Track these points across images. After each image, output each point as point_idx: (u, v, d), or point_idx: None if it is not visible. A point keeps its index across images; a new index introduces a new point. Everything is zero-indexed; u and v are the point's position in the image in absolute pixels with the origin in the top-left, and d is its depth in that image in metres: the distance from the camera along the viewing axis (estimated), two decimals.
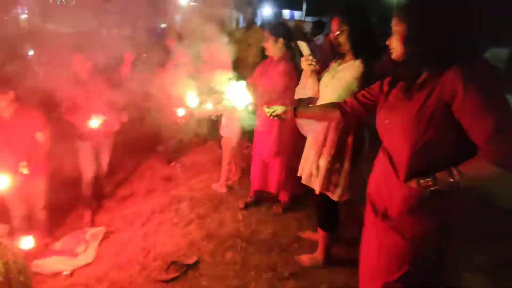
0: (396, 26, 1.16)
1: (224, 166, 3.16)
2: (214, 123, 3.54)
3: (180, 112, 3.12)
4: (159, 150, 4.07)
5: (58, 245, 2.74)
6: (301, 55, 1.93)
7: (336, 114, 1.51)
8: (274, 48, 2.42)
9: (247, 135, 3.27)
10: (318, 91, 1.98)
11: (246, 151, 3.93)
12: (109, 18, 3.03)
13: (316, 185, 1.92)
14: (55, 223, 2.99)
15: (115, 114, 3.01)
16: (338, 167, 1.85)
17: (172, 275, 2.08)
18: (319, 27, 5.62)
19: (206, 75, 3.16)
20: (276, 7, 9.56)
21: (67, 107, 2.79)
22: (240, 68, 3.45)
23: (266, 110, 1.70)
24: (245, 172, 3.35)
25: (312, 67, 1.89)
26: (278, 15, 6.83)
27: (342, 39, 1.79)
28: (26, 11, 4.56)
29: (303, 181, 2.01)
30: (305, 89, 2.04)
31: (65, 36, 3.43)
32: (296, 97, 2.11)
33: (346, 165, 1.84)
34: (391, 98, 1.28)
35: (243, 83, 2.17)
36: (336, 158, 1.85)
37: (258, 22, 7.40)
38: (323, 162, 1.87)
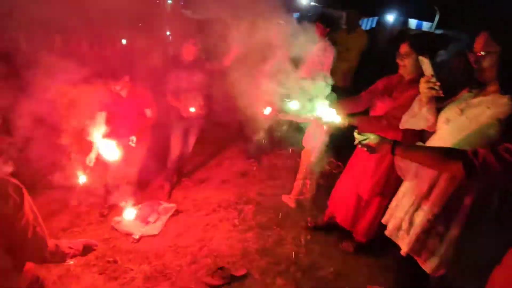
0: None
1: (299, 179, 2.92)
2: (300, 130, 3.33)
3: (267, 111, 3.00)
4: (241, 144, 4.09)
5: (136, 209, 3.00)
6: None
7: (457, 166, 1.10)
8: (413, 66, 1.90)
9: (334, 150, 2.96)
10: (434, 124, 1.53)
11: (329, 167, 3.60)
12: (236, 9, 3.10)
13: (404, 244, 1.50)
14: (139, 188, 3.28)
15: (207, 100, 3.10)
16: (441, 231, 1.40)
17: (217, 282, 1.99)
18: (443, 41, 4.71)
19: (302, 78, 2.96)
20: (403, 14, 8.53)
21: (170, 89, 3.00)
22: (333, 73, 3.13)
23: (357, 136, 1.39)
24: (321, 190, 3.03)
25: (433, 92, 1.46)
26: (403, 23, 6.06)
27: (487, 63, 1.32)
28: None
29: (387, 233, 1.61)
30: (416, 118, 1.61)
31: (195, 22, 3.71)
32: (402, 126, 1.69)
33: (454, 232, 1.38)
34: None
35: (333, 95, 1.87)
36: (441, 219, 1.40)
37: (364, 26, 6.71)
38: (420, 219, 1.44)
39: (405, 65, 1.94)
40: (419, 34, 2.56)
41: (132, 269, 2.25)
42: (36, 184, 2.88)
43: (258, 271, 2.14)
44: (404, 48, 1.91)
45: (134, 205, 3.01)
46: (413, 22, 10.68)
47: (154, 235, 2.70)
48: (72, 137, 2.53)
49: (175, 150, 3.28)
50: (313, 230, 2.57)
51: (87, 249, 1.46)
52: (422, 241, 1.44)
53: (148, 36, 3.45)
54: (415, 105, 1.61)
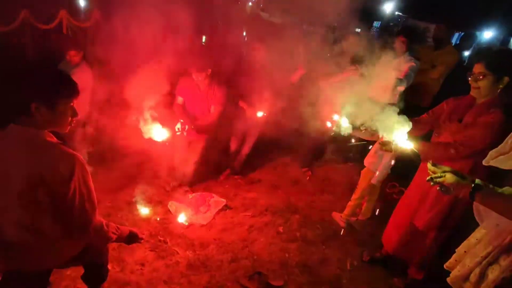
0: None
1: (354, 199, 2.74)
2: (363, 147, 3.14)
3: (329, 124, 2.90)
4: (298, 151, 4.02)
5: (190, 197, 3.17)
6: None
7: None
8: (489, 89, 1.68)
9: (398, 174, 2.71)
10: None
11: (389, 190, 3.33)
12: (312, 15, 3.07)
13: None
14: (195, 179, 3.44)
15: (274, 104, 3.14)
16: None
17: (253, 286, 1.98)
18: None
19: (375, 95, 2.78)
20: (505, 32, 7.44)
21: (241, 91, 3.10)
22: (413, 91, 2.86)
23: (430, 168, 1.24)
24: (377, 215, 2.81)
25: None
26: (502, 42, 5.31)
27: None
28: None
29: (450, 281, 1.41)
30: (508, 156, 1.37)
31: (271, 25, 3.78)
32: (487, 163, 1.45)
33: None
34: None
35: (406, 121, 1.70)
36: None
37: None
38: (496, 275, 1.23)
39: (479, 87, 1.69)
40: (499, 51, 2.12)
41: (178, 253, 2.38)
42: (111, 158, 3.25)
43: (295, 286, 2.08)
44: (478, 68, 1.67)
45: (189, 193, 3.19)
46: None
47: (202, 225, 2.81)
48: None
49: (232, 147, 3.40)
50: (369, 262, 2.37)
51: (131, 238, 1.47)
52: None
53: (227, 35, 3.61)
54: (509, 141, 1.38)
